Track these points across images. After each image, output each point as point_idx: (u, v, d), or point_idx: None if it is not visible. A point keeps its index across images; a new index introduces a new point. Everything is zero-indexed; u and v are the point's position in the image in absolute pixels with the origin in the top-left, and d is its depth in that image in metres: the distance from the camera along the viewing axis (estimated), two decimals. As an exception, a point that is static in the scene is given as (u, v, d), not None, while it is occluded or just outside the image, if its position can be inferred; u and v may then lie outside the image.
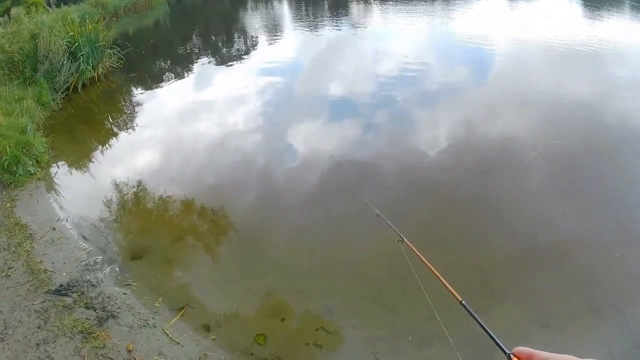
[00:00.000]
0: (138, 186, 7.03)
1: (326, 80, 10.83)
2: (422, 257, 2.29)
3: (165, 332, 4.20)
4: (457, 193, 6.07)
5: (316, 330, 4.18)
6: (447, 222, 5.62)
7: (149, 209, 6.55)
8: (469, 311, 1.56)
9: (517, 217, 5.56)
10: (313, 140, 7.97)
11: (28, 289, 4.65)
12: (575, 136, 7.15)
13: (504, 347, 0.99)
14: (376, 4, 20.07)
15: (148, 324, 4.30)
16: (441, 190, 6.17)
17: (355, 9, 19.89)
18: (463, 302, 1.67)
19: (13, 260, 5.12)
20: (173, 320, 4.38)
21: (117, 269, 5.16)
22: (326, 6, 21.86)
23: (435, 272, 2.03)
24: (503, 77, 10.12)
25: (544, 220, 5.42)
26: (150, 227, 6.12)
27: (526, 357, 0.85)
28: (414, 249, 2.45)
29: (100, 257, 5.33)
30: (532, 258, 4.89)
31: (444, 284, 1.87)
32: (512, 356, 0.88)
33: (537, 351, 0.83)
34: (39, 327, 4.14)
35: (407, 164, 6.83)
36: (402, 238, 2.72)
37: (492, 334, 1.21)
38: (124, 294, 4.72)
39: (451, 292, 1.78)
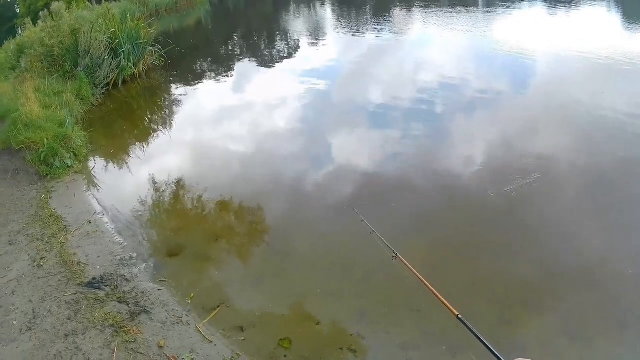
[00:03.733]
0: (176, 184, 7.01)
1: (363, 88, 10.59)
2: (416, 272, 2.31)
3: (199, 330, 4.08)
4: (483, 208, 5.78)
5: (351, 335, 4.05)
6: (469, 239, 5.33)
7: (186, 206, 6.51)
8: (466, 325, 1.57)
9: (544, 232, 5.24)
10: (344, 149, 7.75)
11: (60, 280, 4.62)
12: (611, 154, 6.68)
13: (502, 359, 1.04)
14: (418, 10, 19.82)
15: (181, 321, 4.18)
16: (465, 205, 5.88)
17: (397, 15, 19.68)
18: (459, 316, 1.69)
19: (46, 250, 5.12)
20: (208, 319, 4.27)
21: (153, 265, 5.10)
22: (368, 11, 21.77)
23: (431, 287, 2.04)
24: (542, 90, 9.55)
25: (573, 239, 5.10)
26: (187, 225, 6.07)
27: None
28: (407, 264, 2.49)
29: (136, 253, 5.28)
30: (560, 275, 4.61)
31: (440, 299, 1.89)
32: None
33: None
34: (68, 319, 4.08)
35: (434, 178, 6.53)
36: (396, 254, 2.75)
37: (490, 346, 1.23)
38: (159, 290, 4.63)
39: (447, 307, 1.80)
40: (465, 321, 1.60)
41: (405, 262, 2.54)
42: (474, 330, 1.45)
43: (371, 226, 3.66)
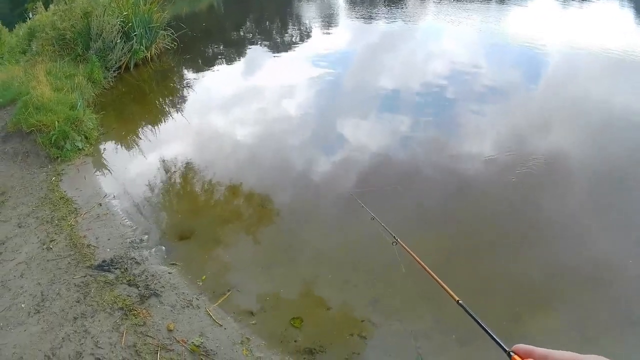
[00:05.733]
0: (186, 167, 6.93)
1: (373, 77, 10.34)
2: (416, 257, 2.26)
3: (209, 314, 4.01)
4: (488, 202, 5.64)
5: (362, 321, 4.00)
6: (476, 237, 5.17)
7: (196, 190, 6.43)
8: (466, 310, 1.55)
9: (549, 228, 5.12)
10: (354, 137, 7.58)
11: (69, 263, 4.56)
12: (620, 152, 6.48)
13: (503, 345, 1.00)
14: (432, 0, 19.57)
15: (191, 305, 4.13)
16: (471, 203, 5.72)
17: (410, 3, 19.40)
18: (460, 301, 1.67)
19: (56, 233, 5.07)
20: (218, 302, 4.21)
21: (164, 248, 5.04)
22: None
23: (431, 272, 2.01)
24: (552, 84, 9.27)
25: (578, 236, 4.99)
26: (198, 209, 6.01)
27: (526, 354, 0.85)
28: (408, 249, 2.43)
29: (147, 236, 5.23)
30: (564, 273, 4.50)
31: (440, 284, 1.86)
32: (512, 354, 0.88)
33: (537, 348, 0.84)
34: (77, 301, 4.02)
35: (441, 170, 6.38)
36: (397, 240, 2.71)
37: (491, 333, 1.22)
38: (169, 273, 4.57)
39: (448, 292, 1.78)
40: (466, 307, 1.56)
41: (406, 247, 2.47)
42: (475, 316, 1.41)
43: (371, 212, 3.59)
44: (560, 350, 0.80)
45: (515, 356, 0.87)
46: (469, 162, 6.41)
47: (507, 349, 0.91)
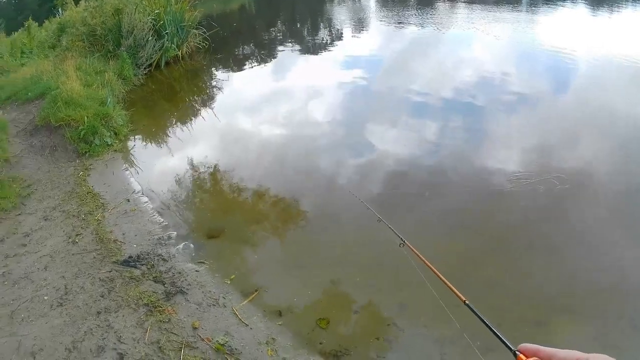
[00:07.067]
0: (215, 167, 6.91)
1: (400, 83, 10.16)
2: (423, 258, 2.32)
3: (235, 313, 3.93)
4: (517, 215, 5.43)
5: (387, 325, 3.92)
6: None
7: (225, 190, 6.39)
8: (473, 311, 1.57)
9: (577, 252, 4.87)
10: (381, 142, 7.45)
11: (95, 257, 4.53)
12: None
13: (509, 345, 1.02)
14: (462, 6, 19.34)
15: (218, 303, 4.05)
16: (499, 212, 5.52)
17: (440, 9, 19.24)
18: (467, 302, 1.69)
19: (82, 227, 5.05)
20: (245, 302, 4.13)
21: (192, 245, 4.98)
22: (412, 3, 21.40)
23: (438, 273, 2.05)
24: (580, 94, 8.89)
25: (600, 248, 4.79)
26: (227, 208, 5.97)
27: (532, 354, 0.87)
28: (415, 251, 2.48)
29: (175, 233, 5.18)
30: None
31: (447, 285, 1.89)
32: (518, 353, 0.91)
33: (542, 347, 0.86)
34: (102, 296, 3.97)
35: (469, 178, 6.19)
36: (404, 241, 2.75)
37: (497, 332, 1.23)
38: (196, 271, 4.50)
39: (455, 293, 1.81)
40: (473, 307, 1.58)
41: (413, 248, 2.51)
42: (482, 317, 1.42)
43: (378, 214, 3.48)
44: (565, 349, 0.81)
45: (521, 355, 0.89)
46: (497, 172, 6.22)
47: (513, 348, 0.93)
